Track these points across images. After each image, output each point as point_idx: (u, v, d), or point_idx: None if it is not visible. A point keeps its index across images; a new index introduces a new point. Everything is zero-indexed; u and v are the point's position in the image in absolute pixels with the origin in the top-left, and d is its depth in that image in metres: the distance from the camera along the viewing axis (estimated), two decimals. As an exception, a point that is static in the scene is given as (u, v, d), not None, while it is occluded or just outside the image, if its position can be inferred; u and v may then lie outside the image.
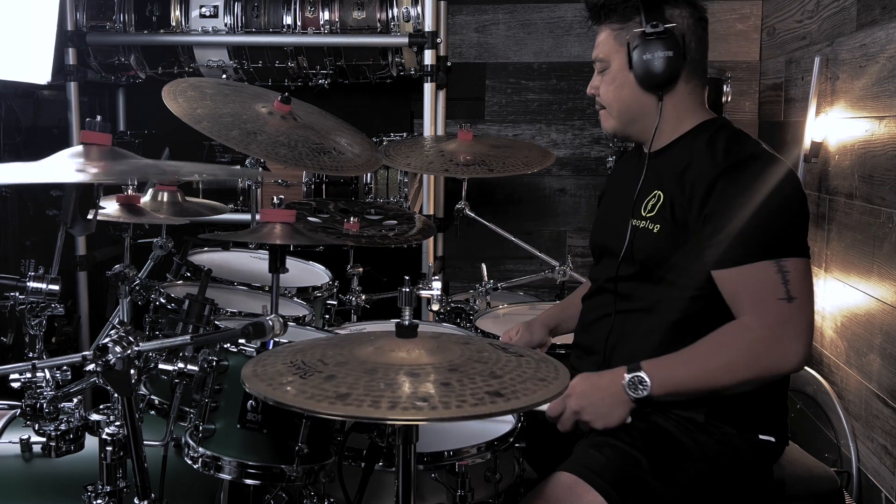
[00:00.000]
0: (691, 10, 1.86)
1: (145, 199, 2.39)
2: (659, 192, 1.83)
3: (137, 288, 2.13)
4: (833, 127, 2.83)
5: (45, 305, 1.67)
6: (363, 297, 2.84)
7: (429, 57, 3.21)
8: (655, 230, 1.81)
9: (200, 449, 1.62)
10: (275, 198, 2.61)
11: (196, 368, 1.61)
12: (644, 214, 1.84)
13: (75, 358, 1.50)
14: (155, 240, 2.41)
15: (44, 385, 1.58)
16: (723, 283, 1.72)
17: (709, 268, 1.72)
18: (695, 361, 1.71)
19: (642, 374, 1.69)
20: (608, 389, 1.72)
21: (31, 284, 1.64)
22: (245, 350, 1.63)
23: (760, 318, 1.67)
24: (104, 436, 1.50)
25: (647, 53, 1.81)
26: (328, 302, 2.58)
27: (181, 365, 1.61)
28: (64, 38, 3.26)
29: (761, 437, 1.79)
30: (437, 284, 2.59)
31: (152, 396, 1.92)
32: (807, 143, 2.92)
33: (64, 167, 1.54)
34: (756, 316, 1.68)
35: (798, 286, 1.67)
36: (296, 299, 2.43)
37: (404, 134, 3.59)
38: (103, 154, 1.59)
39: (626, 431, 1.74)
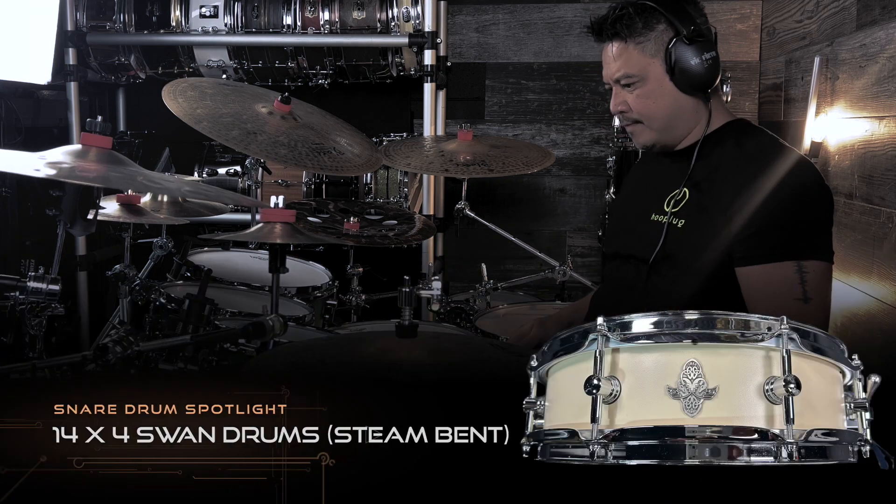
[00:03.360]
0: (699, 6, 1.85)
1: (145, 199, 2.39)
2: (686, 189, 1.83)
3: (137, 288, 2.13)
4: (833, 127, 2.82)
5: (45, 305, 1.67)
6: (363, 297, 2.84)
7: (429, 57, 3.21)
8: (680, 225, 1.81)
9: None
10: (273, 198, 2.60)
11: (196, 368, 1.61)
12: (668, 210, 1.84)
13: (75, 358, 1.50)
14: (155, 240, 2.41)
15: (44, 385, 1.58)
16: (744, 279, 1.72)
17: (733, 265, 1.72)
18: None
19: None
20: None
21: (31, 284, 1.64)
22: (245, 350, 1.63)
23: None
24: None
25: (695, 58, 1.79)
26: (328, 302, 2.58)
27: (181, 365, 1.61)
28: (64, 38, 3.26)
29: None
30: (437, 284, 2.59)
31: (152, 396, 1.92)
32: (806, 143, 2.91)
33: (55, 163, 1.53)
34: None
35: (815, 288, 1.67)
36: (296, 299, 2.43)
37: (404, 134, 3.59)
38: (101, 157, 1.58)
39: None
